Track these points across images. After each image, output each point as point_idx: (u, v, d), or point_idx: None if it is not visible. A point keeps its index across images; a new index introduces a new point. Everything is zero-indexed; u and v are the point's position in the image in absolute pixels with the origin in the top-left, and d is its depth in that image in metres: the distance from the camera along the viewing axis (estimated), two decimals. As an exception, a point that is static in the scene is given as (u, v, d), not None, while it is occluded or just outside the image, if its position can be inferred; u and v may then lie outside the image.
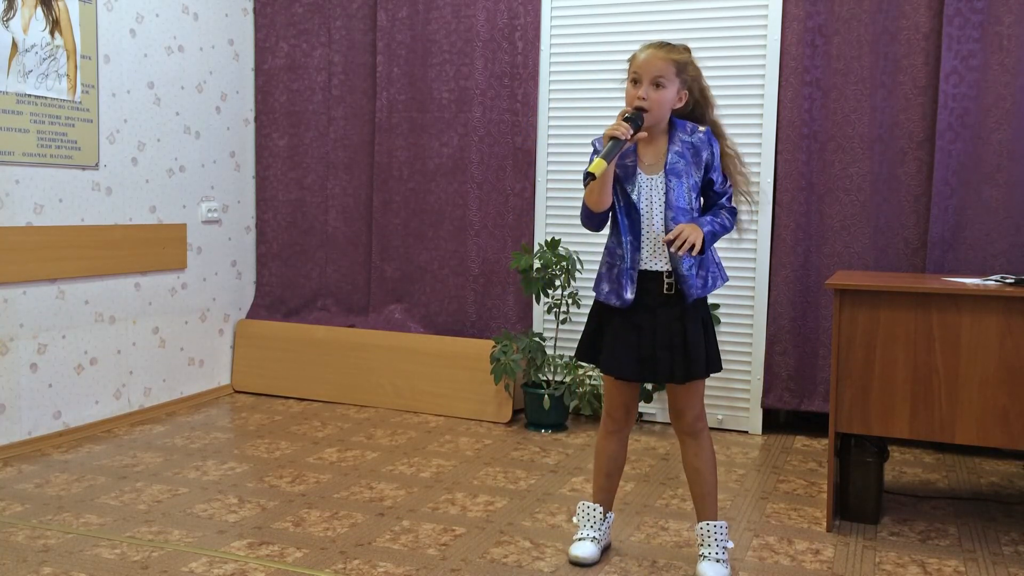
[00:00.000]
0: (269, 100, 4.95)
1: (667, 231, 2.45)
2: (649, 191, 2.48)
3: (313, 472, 3.50)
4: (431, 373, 4.50)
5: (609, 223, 2.55)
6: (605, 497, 2.71)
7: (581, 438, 4.08)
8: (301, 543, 2.78)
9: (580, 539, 2.67)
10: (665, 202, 2.46)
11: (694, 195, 2.49)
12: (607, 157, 2.35)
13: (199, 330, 4.67)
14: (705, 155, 2.49)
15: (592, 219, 2.52)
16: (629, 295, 2.48)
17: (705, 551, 2.56)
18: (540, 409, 4.15)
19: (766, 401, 4.15)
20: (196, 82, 4.56)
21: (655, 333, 2.48)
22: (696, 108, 2.55)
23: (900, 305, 2.85)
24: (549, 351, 4.38)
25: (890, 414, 2.87)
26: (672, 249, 2.42)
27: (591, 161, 2.39)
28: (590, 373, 4.27)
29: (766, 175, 4.07)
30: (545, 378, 4.30)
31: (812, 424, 4.32)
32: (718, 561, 2.53)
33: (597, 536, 2.68)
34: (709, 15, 4.14)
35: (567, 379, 4.20)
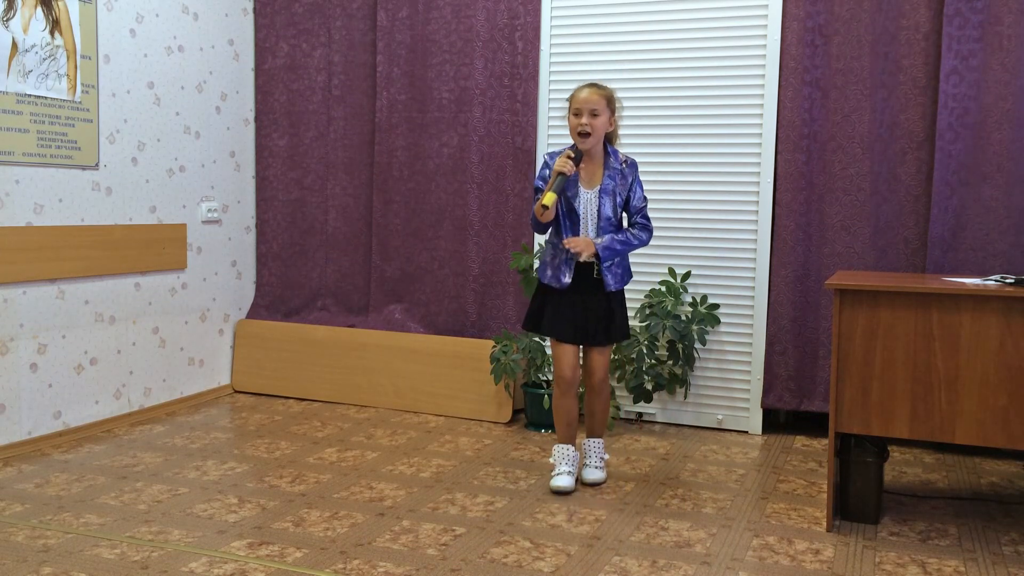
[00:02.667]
0: (269, 100, 4.95)
1: (599, 235, 3.25)
2: (587, 202, 3.27)
3: (313, 472, 3.50)
4: (431, 373, 4.50)
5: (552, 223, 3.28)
6: (570, 437, 3.40)
7: (581, 438, 4.07)
8: (301, 543, 2.78)
9: (559, 474, 3.33)
10: (598, 214, 3.26)
11: (620, 209, 3.30)
12: (556, 190, 3.13)
13: (199, 330, 4.67)
14: (629, 179, 3.30)
15: (540, 227, 3.29)
16: (567, 279, 3.27)
17: (590, 460, 3.43)
18: (540, 409, 4.15)
19: (766, 401, 4.15)
20: (196, 82, 4.56)
21: (586, 308, 3.29)
22: (612, 136, 3.33)
23: (900, 305, 2.85)
24: (549, 351, 4.37)
25: (890, 414, 2.87)
26: (569, 251, 3.22)
27: (544, 179, 3.25)
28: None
29: (766, 175, 4.07)
30: (545, 378, 4.30)
31: (812, 424, 4.33)
32: (598, 467, 3.42)
33: (571, 470, 3.36)
34: (709, 15, 4.14)
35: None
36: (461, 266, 4.62)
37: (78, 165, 3.92)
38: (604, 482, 3.43)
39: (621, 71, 4.30)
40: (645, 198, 3.34)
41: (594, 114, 3.19)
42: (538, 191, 3.25)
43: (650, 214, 4.12)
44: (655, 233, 4.24)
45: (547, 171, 3.26)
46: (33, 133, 3.71)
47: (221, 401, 4.69)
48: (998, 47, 3.71)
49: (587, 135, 3.19)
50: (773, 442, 4.06)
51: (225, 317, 4.86)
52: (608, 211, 3.25)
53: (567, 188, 3.23)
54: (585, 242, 3.22)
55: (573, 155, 3.17)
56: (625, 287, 3.39)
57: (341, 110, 4.83)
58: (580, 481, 3.42)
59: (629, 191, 3.29)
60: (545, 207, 3.12)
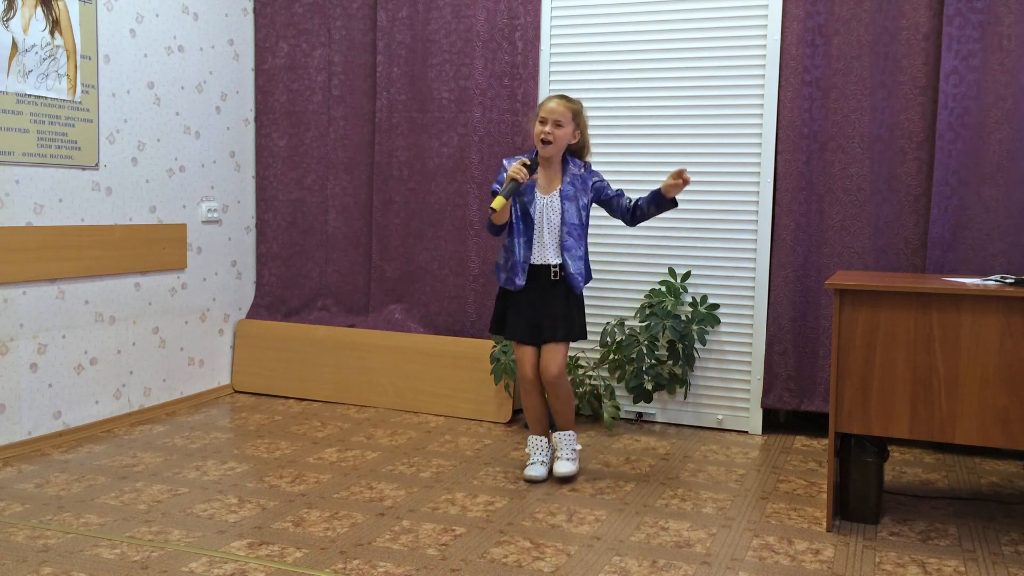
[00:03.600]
0: (269, 100, 4.95)
1: (561, 242, 3.38)
2: (543, 207, 3.39)
3: (313, 472, 3.50)
4: (431, 373, 4.50)
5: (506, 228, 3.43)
6: (544, 430, 3.55)
7: (581, 438, 4.07)
8: (301, 543, 2.78)
9: (531, 463, 3.50)
10: (561, 220, 3.39)
11: (584, 213, 3.42)
12: (506, 195, 3.24)
13: (199, 330, 4.67)
14: (591, 182, 3.43)
15: (494, 229, 3.41)
16: (520, 281, 3.40)
17: (561, 453, 3.50)
18: (540, 409, 4.15)
19: (766, 401, 4.15)
20: (196, 82, 4.56)
21: (543, 307, 3.39)
22: (581, 150, 3.47)
23: (900, 305, 2.85)
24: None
25: (890, 414, 2.88)
26: (520, 257, 3.39)
27: (500, 183, 3.33)
28: (590, 373, 4.28)
29: (766, 175, 4.07)
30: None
31: (812, 424, 4.33)
32: (568, 460, 3.48)
33: (544, 460, 3.52)
34: (709, 15, 4.14)
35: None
36: (461, 266, 4.62)
37: (78, 165, 3.92)
38: (575, 474, 3.47)
39: (621, 71, 4.30)
40: (608, 184, 3.48)
41: (558, 124, 3.33)
42: (494, 194, 3.33)
43: None
44: (654, 233, 4.27)
45: (504, 175, 3.35)
46: (33, 133, 3.71)
47: (221, 401, 4.69)
48: (998, 47, 3.71)
49: (548, 143, 3.34)
50: (773, 442, 4.06)
51: (225, 317, 4.86)
52: (573, 217, 3.38)
53: (523, 193, 3.37)
54: (676, 182, 3.26)
55: (529, 163, 3.28)
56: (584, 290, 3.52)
57: (341, 110, 4.83)
58: (552, 474, 3.49)
59: (594, 190, 3.42)
60: (493, 210, 3.24)
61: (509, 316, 3.46)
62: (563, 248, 3.38)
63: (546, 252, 3.39)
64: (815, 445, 4.02)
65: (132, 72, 4.18)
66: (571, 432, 3.53)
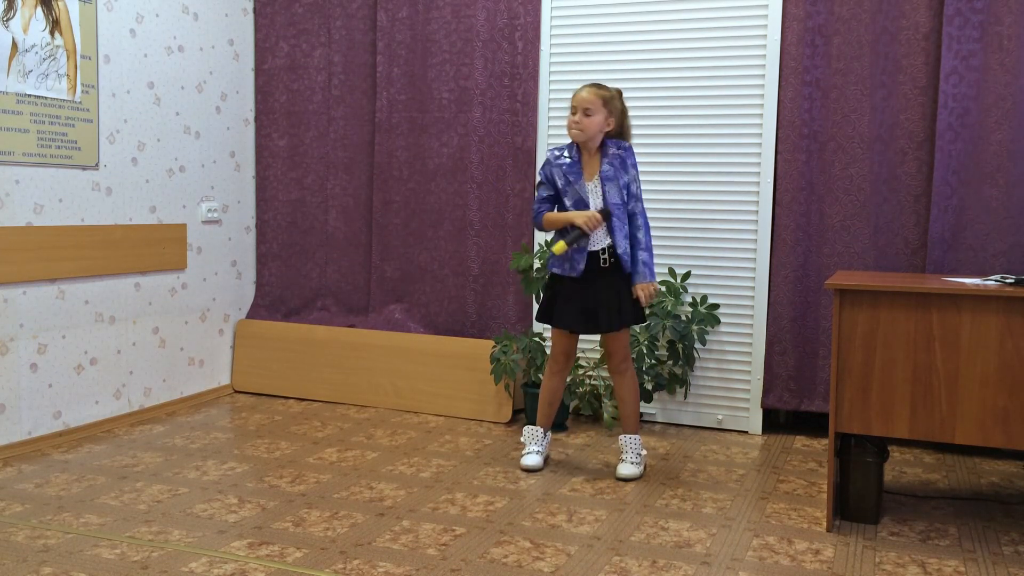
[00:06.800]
0: (269, 100, 4.95)
1: (609, 224, 3.36)
2: (591, 192, 3.40)
3: (313, 472, 3.50)
4: (431, 373, 4.50)
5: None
6: (546, 422, 3.61)
7: (581, 438, 4.07)
8: (301, 543, 2.78)
9: (527, 453, 3.56)
10: (604, 203, 3.38)
11: (625, 192, 3.41)
12: (569, 243, 3.33)
13: (199, 330, 4.67)
14: (629, 162, 3.42)
15: (543, 230, 3.52)
16: (581, 266, 3.39)
17: (624, 456, 3.52)
18: (540, 409, 4.15)
19: (766, 401, 4.15)
20: (196, 82, 4.56)
21: (597, 294, 3.40)
22: (621, 136, 3.47)
23: (900, 305, 2.85)
24: (549, 351, 4.37)
25: (890, 414, 2.88)
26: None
27: (548, 179, 3.44)
28: (590, 373, 4.27)
29: (766, 175, 4.08)
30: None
31: (812, 424, 4.33)
32: (633, 463, 3.49)
33: (540, 450, 3.57)
34: (709, 15, 4.14)
35: (567, 379, 4.19)
36: (461, 266, 4.62)
37: (78, 165, 3.92)
38: (639, 477, 3.49)
39: (621, 71, 4.30)
40: (639, 183, 3.48)
41: (587, 113, 3.35)
42: (540, 186, 3.46)
43: (651, 214, 4.22)
44: (655, 233, 4.26)
45: (549, 168, 3.44)
46: (33, 133, 3.71)
47: (221, 401, 4.69)
48: (998, 47, 3.71)
49: (578, 132, 3.38)
50: (773, 442, 4.06)
51: (225, 317, 4.86)
52: (615, 198, 3.37)
53: (572, 181, 3.40)
54: (645, 288, 3.41)
55: (602, 219, 3.34)
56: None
57: (341, 110, 4.83)
58: (615, 476, 3.51)
59: (627, 173, 3.43)
60: (553, 253, 3.36)
61: (559, 303, 3.44)
62: (611, 230, 3.38)
63: (595, 237, 3.39)
64: (815, 445, 4.02)
65: (132, 72, 4.18)
66: (636, 436, 3.54)
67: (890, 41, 3.90)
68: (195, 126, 4.57)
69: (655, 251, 4.26)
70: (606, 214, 3.35)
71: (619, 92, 3.46)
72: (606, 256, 3.39)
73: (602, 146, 3.42)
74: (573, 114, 3.37)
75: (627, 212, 3.42)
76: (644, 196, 4.25)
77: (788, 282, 4.08)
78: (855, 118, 3.95)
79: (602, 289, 3.39)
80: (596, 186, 3.39)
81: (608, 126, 3.40)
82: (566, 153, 3.43)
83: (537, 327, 4.46)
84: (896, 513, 3.14)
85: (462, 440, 4.01)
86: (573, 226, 3.36)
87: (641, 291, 3.41)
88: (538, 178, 3.50)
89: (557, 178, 3.42)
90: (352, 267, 4.89)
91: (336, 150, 4.86)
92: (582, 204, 3.38)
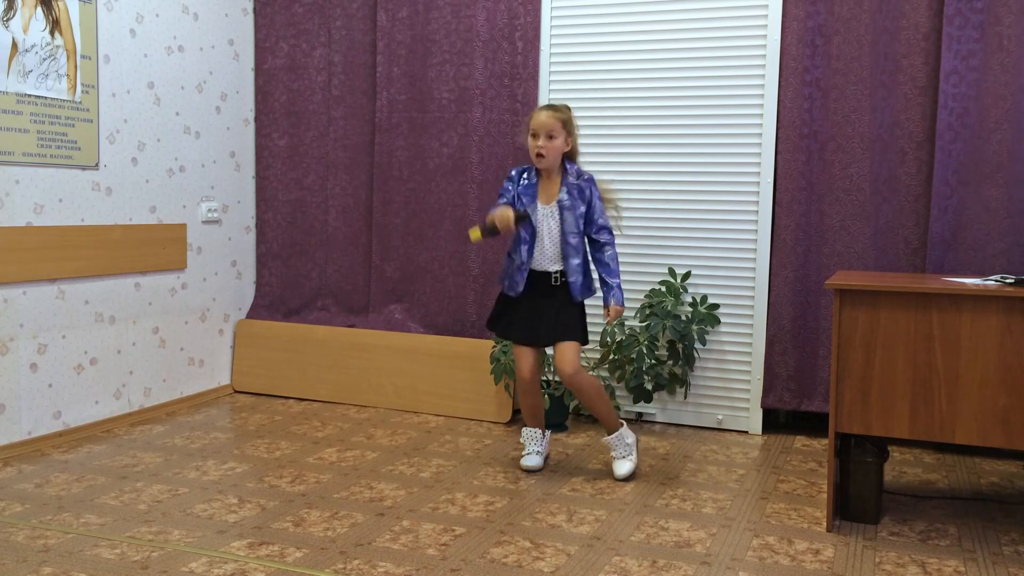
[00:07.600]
0: (269, 100, 4.95)
1: (562, 251, 3.43)
2: (544, 216, 3.44)
3: (313, 472, 3.50)
4: (431, 373, 4.50)
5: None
6: (540, 425, 3.63)
7: (581, 438, 4.08)
8: (301, 543, 2.78)
9: (528, 454, 3.59)
10: (560, 229, 3.43)
11: (581, 222, 3.44)
12: (484, 235, 3.39)
13: (199, 330, 4.67)
14: (587, 192, 3.45)
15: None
16: (520, 287, 3.48)
17: (613, 454, 3.54)
18: (540, 409, 4.15)
19: (766, 401, 4.15)
20: (196, 82, 4.56)
21: (542, 311, 3.46)
22: (572, 155, 3.51)
23: (900, 305, 2.85)
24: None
25: (890, 414, 2.88)
26: (522, 261, 3.46)
27: (504, 193, 3.49)
28: (590, 373, 4.27)
29: (766, 175, 4.08)
30: (545, 378, 4.30)
31: (812, 424, 4.33)
32: (624, 458, 3.51)
33: (540, 451, 3.61)
34: (709, 15, 4.14)
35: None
36: (461, 266, 4.62)
37: (78, 165, 3.92)
38: (634, 471, 3.50)
39: (621, 71, 4.30)
40: (604, 210, 3.50)
41: (550, 136, 3.38)
42: (504, 191, 3.50)
43: (651, 214, 4.22)
44: (654, 233, 4.27)
45: (509, 185, 3.49)
46: (33, 133, 3.71)
47: (221, 401, 4.69)
48: (998, 47, 3.71)
49: (543, 156, 3.39)
50: (773, 442, 4.06)
51: (225, 317, 4.86)
52: (571, 227, 3.42)
53: (525, 202, 3.45)
54: (614, 310, 3.45)
55: (521, 219, 3.38)
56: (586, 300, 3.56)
57: (341, 110, 4.83)
58: (613, 476, 3.50)
59: (589, 206, 3.45)
60: (470, 239, 3.48)
61: (506, 315, 3.54)
62: (564, 256, 3.44)
63: (546, 259, 3.45)
64: (815, 445, 4.02)
65: (132, 72, 4.18)
66: (617, 432, 3.52)
67: (890, 41, 3.90)
68: (195, 126, 4.57)
69: (653, 251, 4.27)
70: (521, 216, 3.38)
71: (569, 108, 3.49)
72: (557, 276, 3.45)
73: (562, 169, 3.46)
74: (535, 138, 3.39)
75: (588, 240, 3.47)
76: (643, 196, 4.27)
77: (788, 282, 4.08)
78: (855, 118, 3.95)
79: (549, 304, 3.45)
80: (553, 211, 3.43)
81: (567, 146, 3.44)
82: (525, 176, 3.48)
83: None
84: (896, 513, 3.14)
85: (462, 440, 4.01)
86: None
87: (614, 312, 3.44)
88: (505, 184, 3.52)
89: (517, 196, 3.47)
90: (352, 267, 4.89)
91: (336, 150, 4.86)
92: (531, 228, 3.42)
